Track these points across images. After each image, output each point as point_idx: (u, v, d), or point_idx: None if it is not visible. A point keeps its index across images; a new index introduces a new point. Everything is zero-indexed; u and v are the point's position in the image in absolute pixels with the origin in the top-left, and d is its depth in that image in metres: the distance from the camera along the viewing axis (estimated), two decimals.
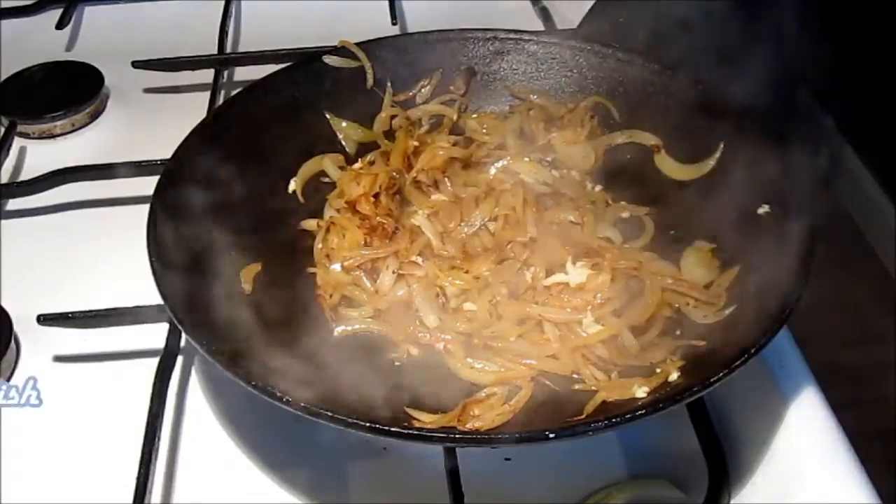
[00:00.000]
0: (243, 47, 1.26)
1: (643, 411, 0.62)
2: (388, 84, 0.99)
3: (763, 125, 0.85)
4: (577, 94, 0.98)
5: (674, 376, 0.70)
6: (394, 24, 1.20)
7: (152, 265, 0.72)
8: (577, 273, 0.78)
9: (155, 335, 0.80)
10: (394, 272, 0.80)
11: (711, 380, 0.63)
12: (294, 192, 0.90)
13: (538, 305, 0.77)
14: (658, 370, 0.71)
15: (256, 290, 0.79)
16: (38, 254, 0.95)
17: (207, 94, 1.10)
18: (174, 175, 0.81)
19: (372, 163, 0.92)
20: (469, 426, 0.67)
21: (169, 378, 0.77)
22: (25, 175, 1.03)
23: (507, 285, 0.79)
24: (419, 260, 0.81)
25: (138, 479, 0.68)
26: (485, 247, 0.84)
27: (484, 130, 0.97)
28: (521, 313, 0.76)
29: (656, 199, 0.89)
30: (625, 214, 0.89)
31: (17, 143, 1.09)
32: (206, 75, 1.14)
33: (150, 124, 1.13)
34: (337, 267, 0.82)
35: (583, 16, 1.04)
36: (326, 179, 0.92)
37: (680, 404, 0.63)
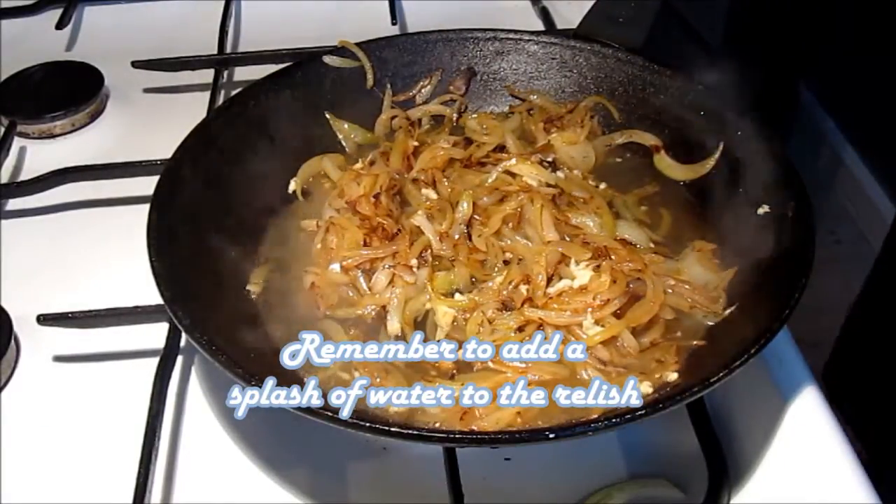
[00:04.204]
0: (243, 47, 1.26)
1: (643, 411, 0.62)
2: (388, 84, 0.99)
3: (763, 125, 0.85)
4: (577, 94, 0.98)
5: (673, 376, 0.71)
6: (394, 24, 1.20)
7: (152, 265, 0.72)
8: (582, 274, 0.78)
9: (155, 335, 0.80)
10: (389, 268, 0.80)
11: (711, 380, 0.63)
12: (294, 192, 0.91)
13: (538, 309, 0.76)
14: (658, 370, 0.71)
15: (255, 290, 0.80)
16: (38, 254, 0.95)
17: (207, 94, 1.10)
18: (174, 175, 0.81)
19: (372, 163, 0.92)
20: (470, 427, 0.67)
21: (169, 378, 0.77)
22: (25, 175, 1.03)
23: (502, 302, 0.77)
24: (414, 264, 0.81)
25: (138, 479, 0.68)
26: (487, 258, 0.83)
27: (484, 130, 0.97)
28: (519, 319, 0.76)
29: (656, 199, 0.89)
30: (643, 208, 0.89)
31: (17, 143, 1.09)
32: (206, 75, 1.14)
33: (150, 124, 1.13)
34: (336, 267, 0.82)
35: (583, 16, 1.04)
36: (326, 179, 0.92)
37: (680, 404, 0.63)
